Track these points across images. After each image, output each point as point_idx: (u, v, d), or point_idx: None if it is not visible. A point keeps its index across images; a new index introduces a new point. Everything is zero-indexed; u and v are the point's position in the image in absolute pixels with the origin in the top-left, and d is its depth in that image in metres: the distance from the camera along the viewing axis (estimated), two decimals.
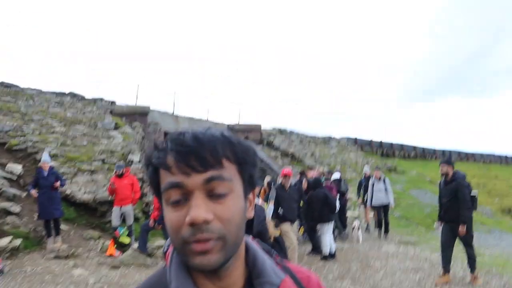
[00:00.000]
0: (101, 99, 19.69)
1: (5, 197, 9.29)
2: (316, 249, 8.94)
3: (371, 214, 12.11)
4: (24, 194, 9.77)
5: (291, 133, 25.09)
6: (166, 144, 0.78)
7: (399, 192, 17.00)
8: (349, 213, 13.17)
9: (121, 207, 9.08)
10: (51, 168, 8.83)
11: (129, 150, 13.35)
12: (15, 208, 9.04)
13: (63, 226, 9.13)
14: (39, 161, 9.22)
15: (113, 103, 19.61)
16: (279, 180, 8.50)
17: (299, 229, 10.55)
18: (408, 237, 11.23)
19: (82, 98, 19.39)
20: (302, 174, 11.23)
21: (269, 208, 8.09)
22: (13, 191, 9.58)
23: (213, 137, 0.77)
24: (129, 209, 9.16)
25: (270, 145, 22.22)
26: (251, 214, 0.84)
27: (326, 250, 8.45)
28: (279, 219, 7.66)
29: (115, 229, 9.06)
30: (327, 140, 25.75)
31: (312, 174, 10.99)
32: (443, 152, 34.87)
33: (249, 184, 0.82)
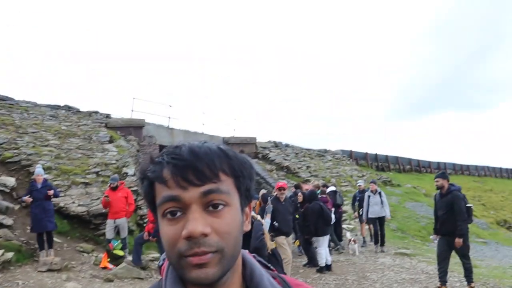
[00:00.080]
0: (96, 112, 19.63)
1: None
2: (312, 261, 8.89)
3: (366, 227, 12.07)
4: (17, 207, 9.67)
5: (286, 146, 25.10)
6: (162, 158, 0.77)
7: (394, 205, 16.97)
8: (344, 226, 13.13)
9: (115, 220, 9.00)
10: (45, 180, 8.77)
11: (123, 163, 13.30)
12: (8, 220, 8.93)
13: (56, 239, 9.02)
14: (33, 173, 9.15)
15: (108, 116, 19.56)
16: (274, 193, 8.48)
17: (295, 241, 10.49)
18: (404, 249, 11.18)
19: (77, 111, 19.33)
20: (297, 187, 11.21)
21: (266, 222, 8.05)
22: (5, 203, 9.47)
23: (209, 150, 0.77)
24: (123, 222, 9.08)
25: (265, 158, 22.20)
26: (247, 227, 0.84)
27: (322, 262, 8.40)
28: (274, 232, 7.62)
29: (109, 241, 8.97)
30: (322, 153, 25.76)
31: (307, 187, 10.99)
32: (438, 165, 34.96)
33: (245, 197, 0.82)
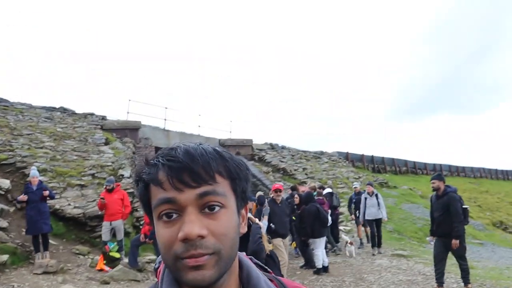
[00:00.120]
0: (92, 114, 19.58)
1: None
2: (309, 263, 8.88)
3: (363, 229, 12.07)
4: (12, 209, 9.61)
5: (283, 148, 25.10)
6: (157, 159, 0.77)
7: (391, 207, 16.99)
8: (341, 227, 13.13)
9: (111, 222, 8.96)
10: (40, 182, 8.72)
11: (119, 165, 13.25)
12: (3, 223, 8.87)
13: (51, 241, 8.96)
14: (28, 176, 9.09)
15: (103, 118, 19.50)
16: (271, 195, 8.47)
17: (291, 243, 10.48)
18: (401, 250, 11.19)
19: (72, 113, 19.27)
20: (294, 189, 11.21)
21: (264, 224, 8.04)
22: (0, 206, 9.41)
23: (205, 152, 0.76)
24: (119, 224, 9.04)
25: (261, 160, 22.19)
26: (244, 229, 0.83)
27: (319, 264, 8.39)
28: (271, 234, 7.61)
29: (105, 244, 8.92)
30: (318, 155, 25.78)
31: (303, 189, 10.99)
32: (434, 166, 35.07)
33: (241, 199, 0.81)
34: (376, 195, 11.28)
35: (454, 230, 6.62)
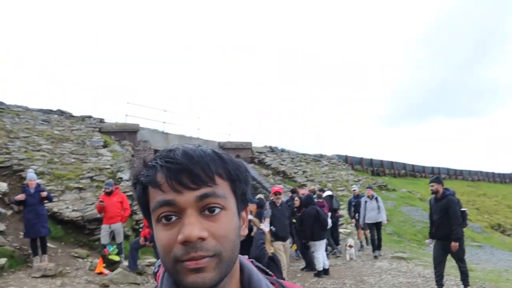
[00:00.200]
0: (90, 117, 19.52)
1: None
2: (310, 265, 8.86)
3: (363, 232, 12.05)
4: (9, 212, 9.54)
5: (282, 151, 25.11)
6: (155, 161, 0.75)
7: (390, 209, 16.99)
8: (341, 230, 13.11)
9: (110, 225, 8.91)
10: (38, 185, 8.66)
11: (118, 168, 13.20)
12: (0, 226, 8.81)
13: (50, 244, 8.91)
14: (25, 179, 9.03)
15: (101, 120, 19.45)
16: (271, 197, 8.46)
17: (292, 246, 10.45)
18: (401, 253, 11.18)
19: (70, 116, 19.21)
20: (294, 191, 11.19)
21: (265, 226, 8.02)
22: None
23: (204, 153, 0.75)
24: (118, 227, 8.99)
25: (261, 163, 22.17)
26: (245, 231, 0.82)
27: (319, 266, 8.37)
28: (271, 237, 7.59)
29: (104, 247, 8.87)
30: (318, 158, 25.79)
31: (303, 192, 10.95)
32: (433, 170, 35.11)
33: (242, 201, 0.80)
34: (376, 198, 11.28)
35: (453, 233, 6.65)
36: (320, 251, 8.42)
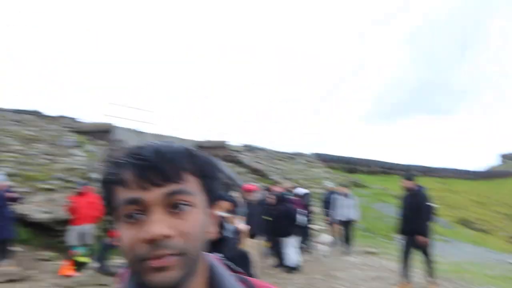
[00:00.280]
0: (63, 117, 19.21)
1: None
2: (281, 262, 8.97)
3: (335, 228, 12.26)
4: None
5: (258, 149, 25.22)
6: (122, 158, 0.74)
7: (363, 206, 17.28)
8: (313, 227, 13.30)
9: (80, 226, 8.80)
10: (7, 188, 8.47)
11: (91, 168, 13.05)
12: None
13: (16, 248, 8.68)
14: None
15: (75, 120, 19.17)
16: (244, 195, 8.55)
17: (264, 243, 10.56)
18: (372, 248, 11.45)
19: (43, 116, 18.86)
20: (267, 189, 11.31)
21: (240, 223, 8.10)
22: None
23: (173, 149, 0.74)
24: (89, 228, 8.88)
25: (237, 161, 22.22)
26: (214, 229, 0.80)
27: (291, 263, 8.50)
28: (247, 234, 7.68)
29: (73, 248, 8.75)
30: (293, 156, 26.02)
31: (277, 190, 11.09)
32: (405, 167, 35.81)
33: (212, 199, 0.79)
34: (349, 196, 11.51)
35: (421, 228, 6.92)
36: (291, 247, 8.56)
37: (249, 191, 8.33)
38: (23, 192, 10.17)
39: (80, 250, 8.80)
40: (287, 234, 8.55)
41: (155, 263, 0.68)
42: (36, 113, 18.76)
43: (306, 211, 10.80)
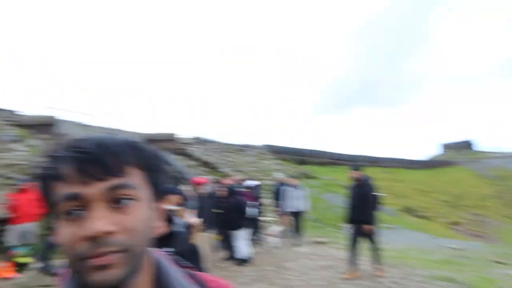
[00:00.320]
0: (3, 110, 18.11)
1: None
2: (232, 255, 8.99)
3: (286, 220, 12.42)
4: None
5: (208, 141, 25.05)
6: (61, 151, 0.70)
7: (313, 197, 17.66)
8: (264, 219, 13.41)
9: (22, 225, 8.36)
10: None
11: (32, 164, 12.41)
12: None
13: None
14: None
15: (16, 113, 18.13)
16: (193, 188, 8.47)
17: (215, 236, 10.53)
18: (321, 238, 11.72)
19: None
20: (217, 182, 11.26)
21: (191, 217, 8.01)
22: None
23: (115, 142, 0.71)
24: (31, 227, 8.47)
25: (186, 154, 21.97)
26: (161, 224, 0.78)
27: (242, 255, 8.54)
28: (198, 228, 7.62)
29: (13, 248, 8.31)
30: (244, 148, 26.08)
31: (228, 182, 11.07)
32: (353, 157, 36.95)
33: (157, 192, 0.76)
34: (299, 187, 11.68)
35: (367, 217, 7.17)
36: (242, 240, 8.59)
37: (199, 184, 8.26)
38: None
39: (22, 251, 8.37)
40: (237, 226, 8.57)
41: (97, 261, 0.65)
42: None
43: (257, 203, 10.89)
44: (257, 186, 11.75)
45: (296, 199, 11.43)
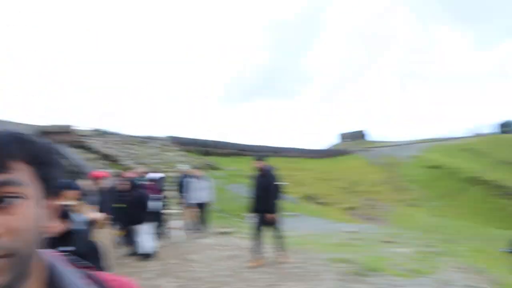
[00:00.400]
0: None
1: None
2: (135, 250, 8.71)
3: (191, 212, 12.34)
4: None
5: (109, 133, 23.87)
6: None
7: (218, 188, 17.75)
8: (168, 211, 13.19)
9: None
10: None
11: None
12: None
13: None
14: None
15: None
16: (92, 182, 8.01)
17: (116, 231, 10.11)
18: (226, 228, 11.84)
19: None
20: (119, 175, 10.79)
21: (93, 212, 7.55)
22: None
23: None
24: None
25: (85, 147, 20.72)
26: (54, 222, 0.72)
27: (145, 250, 8.31)
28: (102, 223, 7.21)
29: None
30: (147, 140, 25.32)
31: (130, 175, 10.66)
32: (257, 148, 37.83)
33: (50, 188, 0.70)
34: (203, 178, 11.64)
35: (270, 206, 7.37)
36: (145, 234, 8.35)
37: (98, 178, 7.82)
38: None
39: None
40: (140, 221, 8.30)
41: None
42: None
43: (161, 196, 10.65)
44: (160, 179, 11.47)
45: (200, 191, 11.40)
